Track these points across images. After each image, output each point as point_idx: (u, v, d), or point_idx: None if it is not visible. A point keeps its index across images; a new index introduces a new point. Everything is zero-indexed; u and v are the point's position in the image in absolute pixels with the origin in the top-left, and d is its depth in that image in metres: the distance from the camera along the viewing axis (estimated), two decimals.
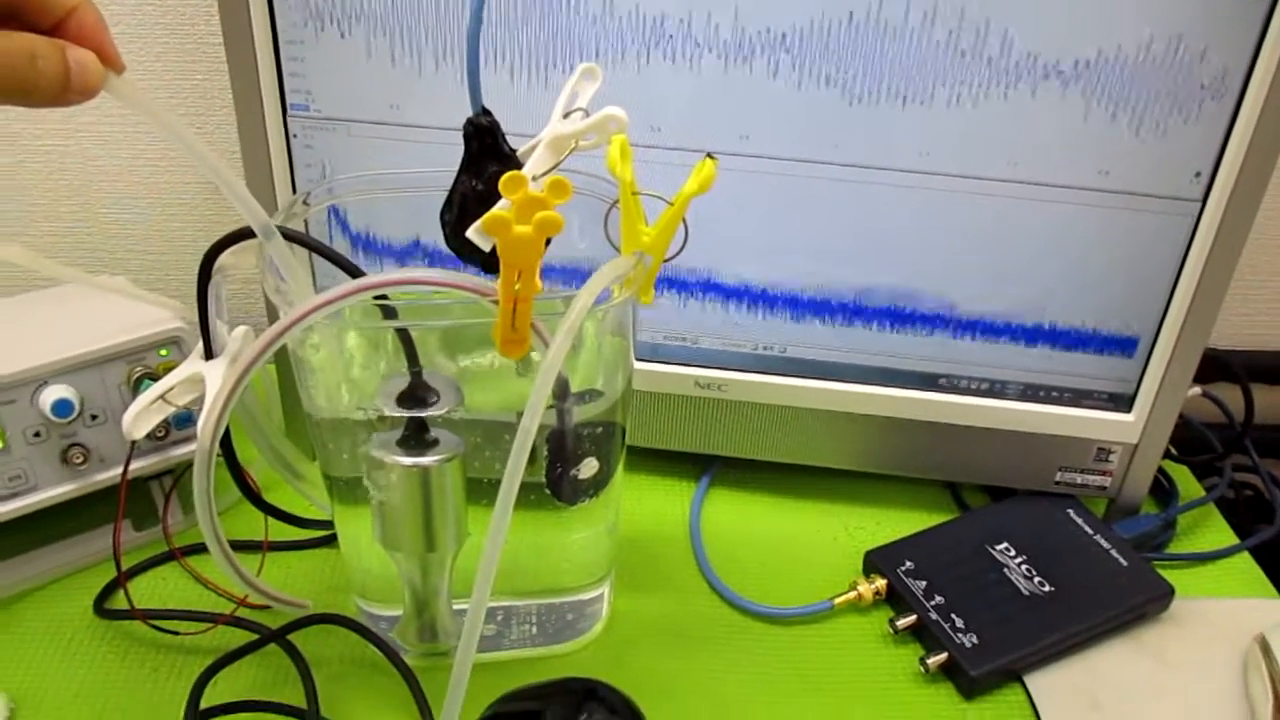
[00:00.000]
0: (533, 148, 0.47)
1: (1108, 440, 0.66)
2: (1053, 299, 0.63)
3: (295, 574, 0.63)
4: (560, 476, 0.50)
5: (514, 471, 0.40)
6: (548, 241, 0.41)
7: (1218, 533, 0.71)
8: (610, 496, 0.55)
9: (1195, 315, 0.61)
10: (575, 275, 0.55)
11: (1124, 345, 0.64)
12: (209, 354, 0.50)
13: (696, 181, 0.43)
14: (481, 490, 0.50)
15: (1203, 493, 0.74)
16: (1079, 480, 0.68)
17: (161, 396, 0.48)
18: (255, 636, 0.56)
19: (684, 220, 0.44)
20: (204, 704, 0.52)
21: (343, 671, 0.57)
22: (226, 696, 0.53)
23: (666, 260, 0.46)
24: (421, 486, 0.49)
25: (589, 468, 0.51)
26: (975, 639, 0.58)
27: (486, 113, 0.46)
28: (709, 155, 0.44)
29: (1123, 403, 0.66)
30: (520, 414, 0.40)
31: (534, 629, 0.58)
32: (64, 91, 0.36)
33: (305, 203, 0.51)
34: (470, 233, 0.44)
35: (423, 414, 0.48)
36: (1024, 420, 0.66)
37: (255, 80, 0.59)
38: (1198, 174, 0.58)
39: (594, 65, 0.48)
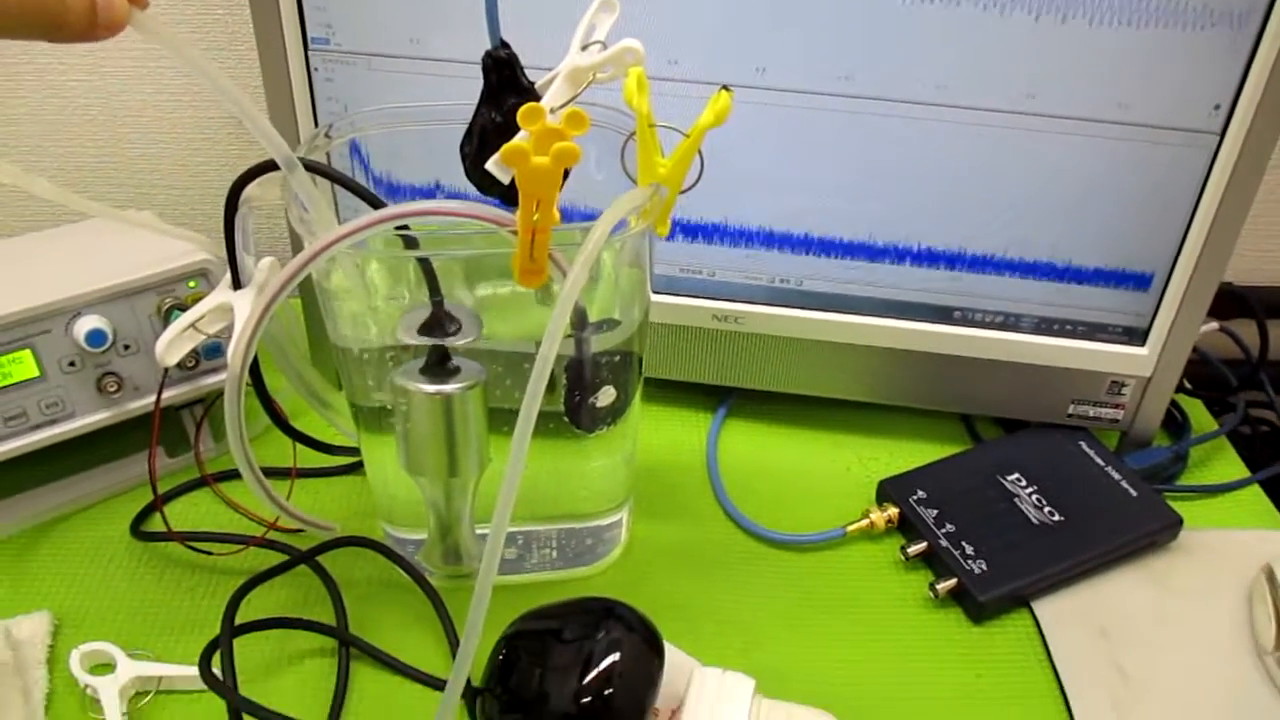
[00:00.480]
0: (550, 80, 0.48)
1: (1121, 374, 0.67)
2: (1068, 233, 0.63)
3: (323, 499, 0.65)
4: (578, 404, 0.52)
5: (533, 398, 0.41)
6: (566, 173, 0.42)
7: (1229, 466, 0.72)
8: (628, 425, 0.56)
9: (1211, 250, 0.61)
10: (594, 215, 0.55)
11: (1139, 280, 0.64)
12: (236, 284, 0.51)
13: (712, 113, 0.44)
14: (502, 418, 0.51)
15: (1216, 427, 0.74)
16: (1091, 413, 0.69)
17: (192, 325, 0.49)
18: (286, 558, 0.58)
19: (700, 152, 0.45)
20: (238, 620, 0.54)
21: (370, 592, 0.59)
22: (259, 614, 0.55)
23: (682, 192, 0.46)
24: (444, 414, 0.50)
25: (606, 396, 0.52)
26: (984, 565, 0.60)
27: (505, 45, 0.46)
28: (724, 88, 0.44)
29: (1137, 336, 0.66)
30: (539, 343, 0.41)
31: (554, 553, 0.60)
32: (91, 27, 0.37)
33: (327, 135, 0.51)
34: (490, 165, 0.45)
35: (444, 343, 0.49)
36: (1037, 353, 0.67)
37: (276, 13, 0.60)
38: (1217, 106, 0.57)
39: None
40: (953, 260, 0.64)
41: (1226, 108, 0.57)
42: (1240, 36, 0.55)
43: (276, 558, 0.58)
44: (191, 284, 0.61)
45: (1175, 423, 0.74)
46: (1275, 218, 0.85)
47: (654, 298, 0.62)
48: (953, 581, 0.59)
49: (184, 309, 0.60)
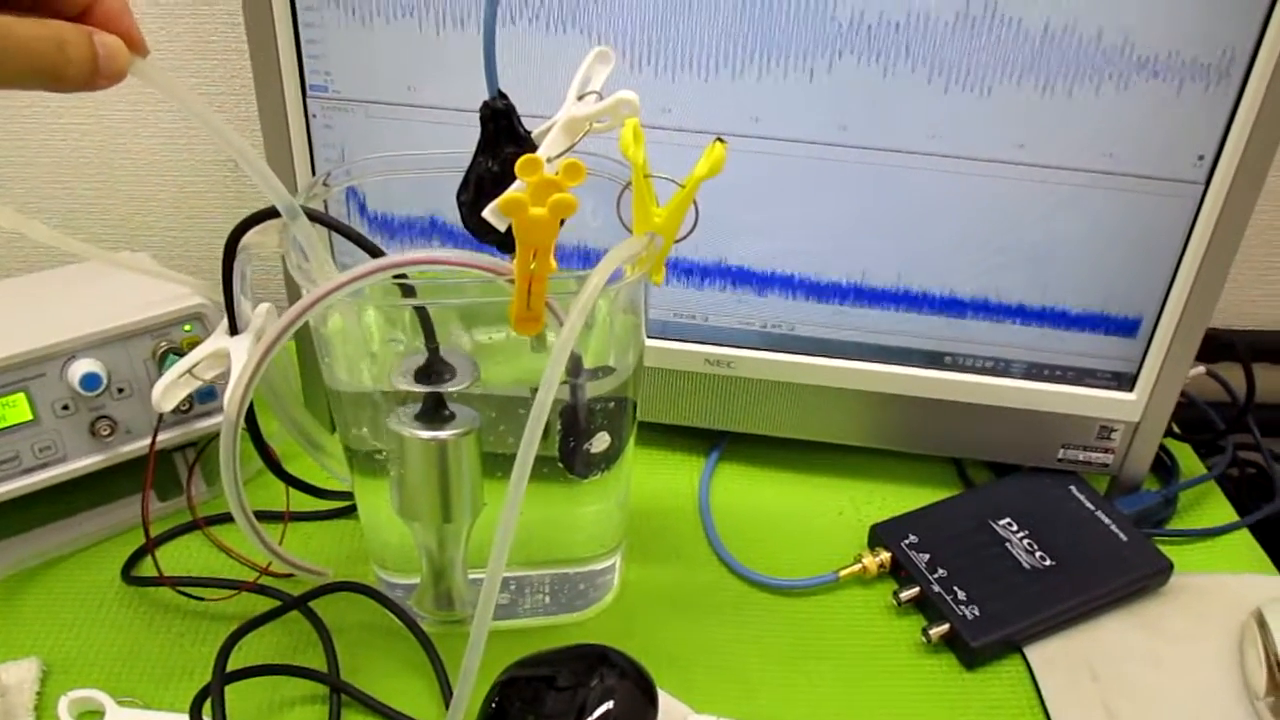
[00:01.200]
0: (547, 129, 0.48)
1: (1110, 419, 0.67)
2: (1056, 280, 0.64)
3: (315, 543, 0.65)
4: (573, 450, 0.52)
5: (529, 445, 0.41)
6: (562, 221, 0.42)
7: (1218, 509, 0.72)
8: (621, 470, 0.56)
9: (1197, 297, 0.62)
10: (589, 259, 0.56)
11: (1127, 326, 0.65)
12: (234, 329, 0.51)
13: (707, 165, 0.44)
14: (497, 463, 0.52)
15: (1205, 470, 0.75)
16: (1081, 457, 0.69)
17: (189, 370, 0.50)
18: (278, 603, 0.58)
19: (694, 202, 0.46)
20: (229, 667, 0.53)
21: (362, 638, 0.58)
22: (250, 660, 0.55)
23: (677, 241, 0.47)
24: (439, 459, 0.50)
25: (601, 442, 0.52)
26: (976, 611, 0.60)
27: (503, 96, 0.47)
28: (719, 139, 0.45)
29: (1125, 382, 0.67)
30: (535, 390, 0.42)
31: (547, 598, 0.60)
32: (92, 76, 0.37)
33: (325, 184, 0.52)
34: (486, 213, 0.46)
35: (440, 389, 0.49)
36: (1027, 398, 0.67)
37: (275, 60, 0.60)
38: (1201, 157, 0.59)
39: (607, 48, 0.49)
40: (944, 306, 0.65)
41: (1210, 158, 0.58)
42: (1222, 90, 0.56)
43: (268, 603, 0.58)
44: (187, 328, 0.61)
45: (1164, 466, 0.74)
46: (1259, 262, 0.86)
47: (647, 342, 0.62)
48: (945, 627, 0.59)
49: (179, 353, 0.60)
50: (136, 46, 0.39)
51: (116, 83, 0.38)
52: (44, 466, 0.59)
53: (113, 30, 0.38)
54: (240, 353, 0.49)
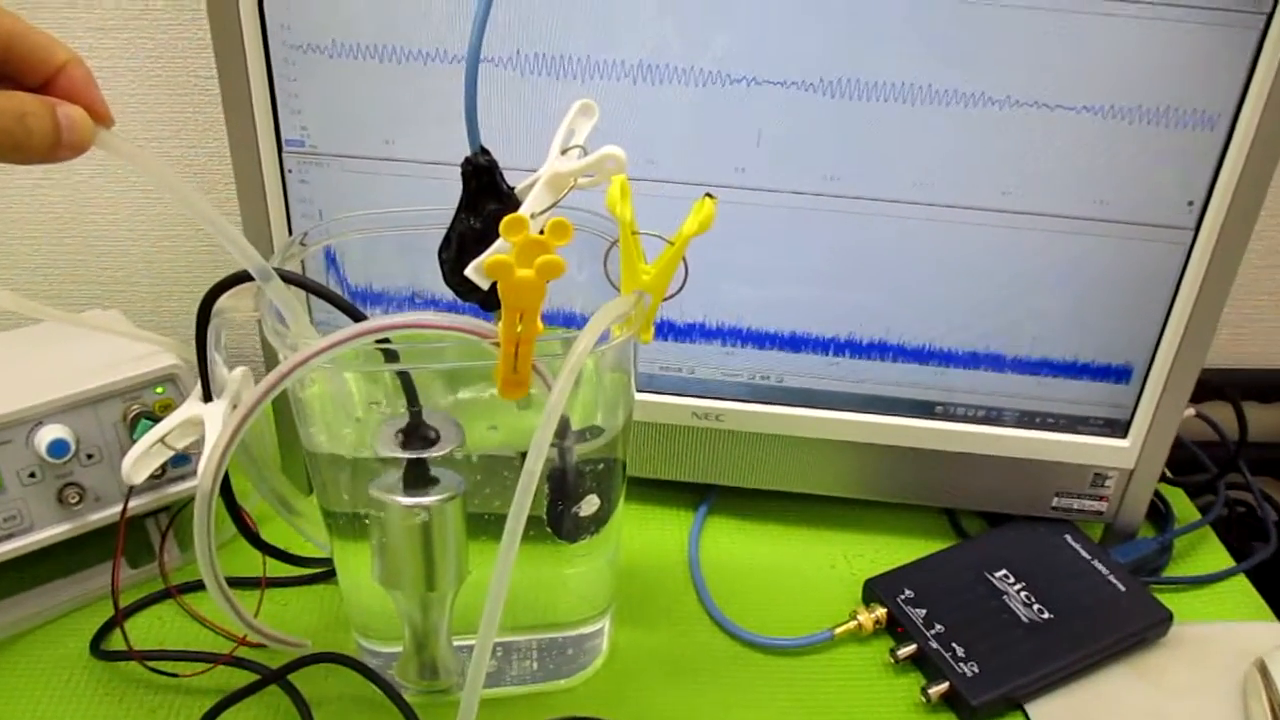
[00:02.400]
0: (530, 185, 0.47)
1: (1104, 466, 0.66)
2: (1046, 329, 0.63)
3: (294, 610, 0.63)
4: (561, 514, 0.50)
5: (517, 517, 0.40)
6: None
7: (1213, 555, 0.71)
8: (611, 531, 0.55)
9: (1190, 342, 0.61)
10: (574, 317, 0.55)
11: (1119, 372, 0.64)
12: (207, 396, 0.49)
13: (696, 221, 0.43)
14: (481, 526, 0.50)
15: (1197, 514, 0.74)
16: (1075, 505, 0.68)
17: (161, 440, 0.48)
18: (256, 677, 0.55)
19: (684, 259, 0.45)
20: None
21: (343, 710, 0.56)
22: None
23: (666, 299, 0.46)
24: (422, 526, 0.49)
25: (590, 505, 0.51)
26: (976, 668, 0.58)
27: (485, 151, 0.46)
28: (708, 195, 0.44)
29: (1118, 428, 0.66)
30: (523, 454, 0.40)
31: (534, 664, 0.58)
32: (55, 148, 0.36)
33: (302, 243, 0.51)
34: (469, 271, 0.44)
35: (423, 455, 0.48)
36: (1020, 447, 0.66)
37: (250, 113, 0.59)
38: (1190, 202, 0.58)
39: (590, 101, 0.48)
40: (934, 355, 0.64)
41: (1200, 203, 0.58)
42: (1212, 136, 0.56)
43: (245, 676, 0.56)
44: (159, 390, 0.59)
45: (1158, 512, 0.73)
46: (1247, 300, 0.85)
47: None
48: (945, 685, 0.58)
49: (151, 416, 0.58)
50: (101, 118, 0.38)
51: (79, 154, 0.37)
52: (9, 537, 0.56)
53: (77, 102, 0.37)
54: (215, 421, 0.48)
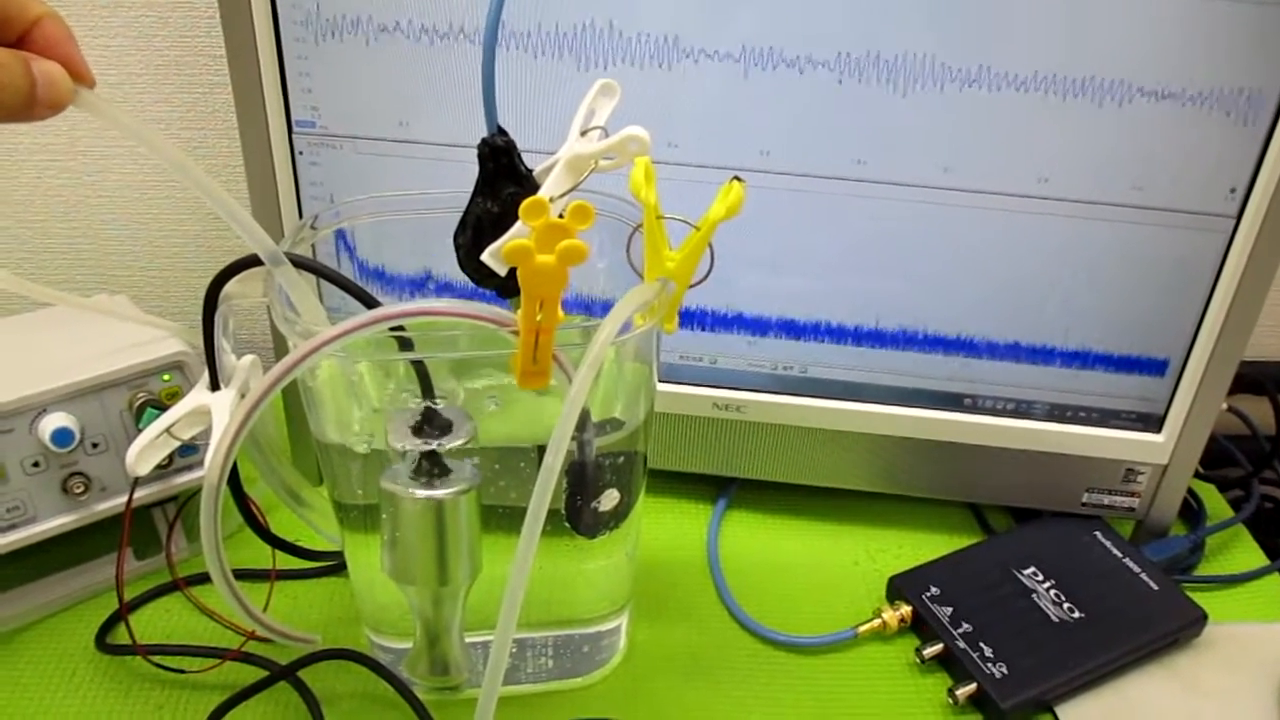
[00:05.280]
0: (549, 167, 0.45)
1: (1137, 461, 0.64)
2: (1082, 318, 0.61)
3: (304, 604, 0.61)
4: (580, 509, 0.48)
5: (537, 513, 0.38)
6: None
7: (1246, 553, 0.69)
8: (630, 526, 0.53)
9: (1229, 333, 0.59)
10: (593, 305, 0.53)
11: (1154, 365, 0.62)
12: (215, 385, 0.48)
13: (724, 206, 0.41)
14: (495, 519, 0.48)
15: (1229, 510, 0.72)
16: (1106, 501, 0.66)
17: (167, 430, 0.46)
18: (264, 673, 0.54)
19: (710, 245, 0.43)
20: None
21: (354, 707, 0.55)
22: None
23: (691, 286, 0.44)
24: (435, 520, 0.47)
25: (610, 499, 0.49)
26: (1005, 669, 0.57)
27: (502, 132, 0.44)
28: (736, 178, 0.42)
29: (1152, 423, 0.64)
30: (539, 446, 0.38)
31: (550, 662, 0.57)
32: (30, 105, 0.35)
33: (313, 227, 0.49)
34: (485, 256, 0.42)
35: (436, 447, 0.46)
36: (1051, 441, 0.64)
37: (260, 94, 0.57)
38: (1233, 189, 0.56)
39: (611, 81, 0.46)
40: (962, 346, 0.62)
41: (1243, 190, 0.56)
42: (1256, 120, 0.54)
43: (254, 672, 0.54)
44: (166, 377, 0.58)
45: (1189, 509, 0.71)
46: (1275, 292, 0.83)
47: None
48: (972, 687, 0.56)
49: (158, 405, 0.57)
50: (80, 76, 0.36)
51: (57, 112, 0.35)
52: (12, 528, 0.55)
53: (54, 58, 0.35)
54: (222, 411, 0.46)
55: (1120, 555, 0.64)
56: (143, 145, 0.38)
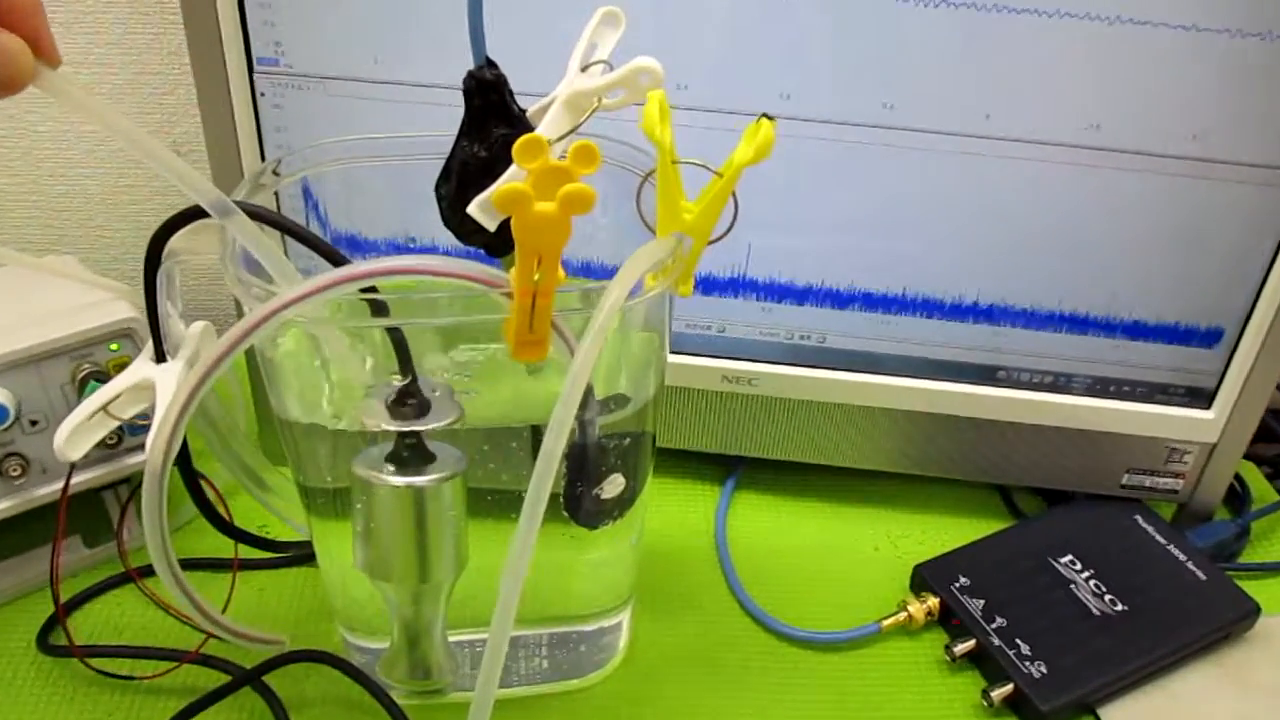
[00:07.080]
0: (545, 107, 0.40)
1: (1183, 440, 0.59)
2: (1130, 283, 0.56)
3: (271, 596, 0.56)
4: (580, 496, 0.43)
5: (534, 507, 0.33)
6: None
7: None
8: (635, 514, 0.47)
9: None
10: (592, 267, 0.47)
11: (1207, 335, 0.57)
12: (160, 355, 0.42)
13: (752, 148, 0.36)
14: (481, 504, 0.43)
15: (1274, 494, 0.67)
16: (1148, 483, 0.61)
17: (103, 408, 0.40)
18: (226, 678, 0.49)
19: (734, 195, 0.37)
20: None
21: (326, 715, 0.49)
22: None
23: (711, 242, 0.38)
24: (414, 510, 0.41)
25: (614, 486, 0.43)
26: (1044, 668, 0.52)
27: (491, 65, 0.38)
28: (765, 116, 0.36)
29: (1202, 398, 0.59)
30: (533, 426, 0.33)
31: (544, 662, 0.51)
32: None
33: (275, 172, 0.43)
34: (473, 208, 0.37)
35: (417, 427, 0.40)
36: (1090, 418, 0.59)
37: (215, 28, 0.51)
38: None
39: (615, 10, 0.41)
40: (997, 314, 0.57)
41: None
42: None
43: (215, 676, 0.49)
44: (114, 347, 0.52)
45: (1233, 492, 0.66)
46: None
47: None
48: (1009, 688, 0.51)
49: (104, 377, 0.51)
50: (46, 55, 0.31)
51: (15, 92, 0.31)
52: None
53: (19, 33, 0.30)
54: (168, 385, 0.40)
55: (1164, 542, 0.59)
56: (100, 124, 0.33)
